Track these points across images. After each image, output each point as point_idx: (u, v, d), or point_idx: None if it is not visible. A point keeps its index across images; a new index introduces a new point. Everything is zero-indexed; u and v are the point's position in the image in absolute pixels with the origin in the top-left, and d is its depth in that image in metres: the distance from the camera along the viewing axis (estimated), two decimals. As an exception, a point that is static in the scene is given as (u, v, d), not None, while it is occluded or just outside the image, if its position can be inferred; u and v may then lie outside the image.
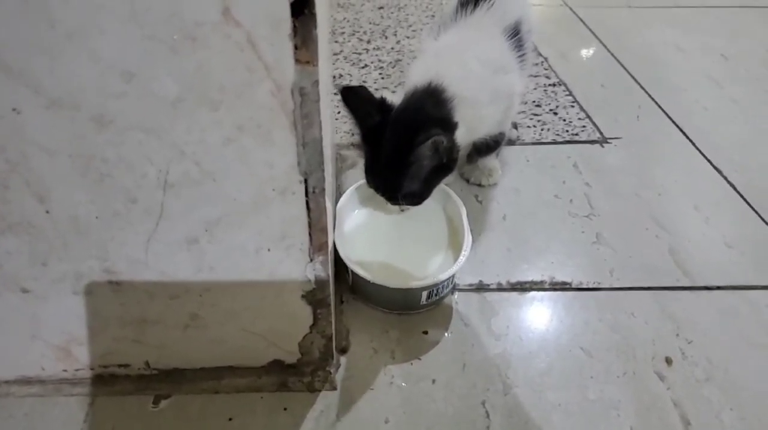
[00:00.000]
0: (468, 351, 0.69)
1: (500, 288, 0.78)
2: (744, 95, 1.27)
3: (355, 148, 1.03)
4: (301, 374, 0.64)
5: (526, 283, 0.78)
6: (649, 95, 1.25)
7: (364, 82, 1.26)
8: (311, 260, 0.56)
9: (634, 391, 0.65)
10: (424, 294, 0.70)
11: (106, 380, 0.63)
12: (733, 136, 1.12)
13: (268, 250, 0.55)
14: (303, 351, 0.63)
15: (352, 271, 0.71)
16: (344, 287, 0.76)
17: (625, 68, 1.36)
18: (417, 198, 0.77)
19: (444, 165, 0.75)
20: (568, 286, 0.78)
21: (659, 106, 1.21)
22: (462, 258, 0.71)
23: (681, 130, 1.13)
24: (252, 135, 0.48)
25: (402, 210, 0.82)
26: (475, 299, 0.76)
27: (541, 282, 0.79)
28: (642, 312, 0.74)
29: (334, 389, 0.64)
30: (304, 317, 0.60)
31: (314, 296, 0.59)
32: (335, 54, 1.39)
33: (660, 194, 0.96)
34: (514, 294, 0.77)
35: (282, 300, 0.59)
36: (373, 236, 0.80)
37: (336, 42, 1.46)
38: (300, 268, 0.56)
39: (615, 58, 1.41)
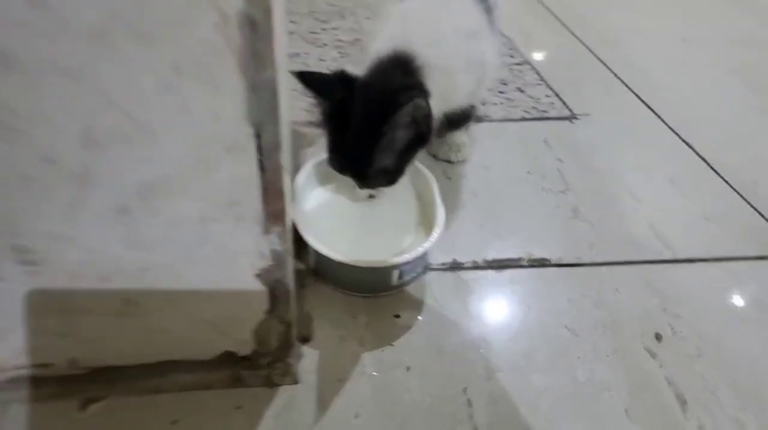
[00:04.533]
0: (444, 335, 0.62)
1: (476, 266, 0.71)
2: (707, 76, 1.26)
3: (315, 126, 0.95)
4: (256, 366, 0.57)
5: (502, 260, 0.73)
6: (615, 74, 1.22)
7: (322, 60, 1.19)
8: (266, 232, 0.48)
9: (625, 370, 0.60)
10: (395, 273, 0.63)
11: (21, 384, 0.53)
12: (701, 113, 1.10)
13: (215, 220, 0.47)
14: (259, 340, 0.55)
15: (314, 250, 0.64)
16: (305, 269, 0.68)
17: (589, 49, 1.33)
18: (390, 175, 0.69)
19: (420, 136, 0.68)
20: (547, 262, 0.73)
21: (625, 85, 1.18)
22: (436, 232, 0.64)
23: (649, 107, 1.10)
24: (192, 78, 0.40)
25: (371, 196, 0.72)
26: (450, 279, 0.69)
27: (519, 259, 0.73)
28: (626, 287, 0.70)
29: (296, 382, 0.57)
30: (259, 299, 0.52)
31: (271, 275, 0.51)
32: (290, 33, 1.32)
33: (634, 169, 0.92)
34: (491, 272, 0.71)
35: (233, 280, 0.51)
36: (336, 213, 0.73)
37: (292, 22, 1.38)
38: (253, 241, 0.49)
39: (578, 39, 1.38)
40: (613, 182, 0.89)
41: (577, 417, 0.55)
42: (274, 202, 0.47)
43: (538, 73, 1.20)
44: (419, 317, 0.64)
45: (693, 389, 0.58)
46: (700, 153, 0.97)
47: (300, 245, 0.65)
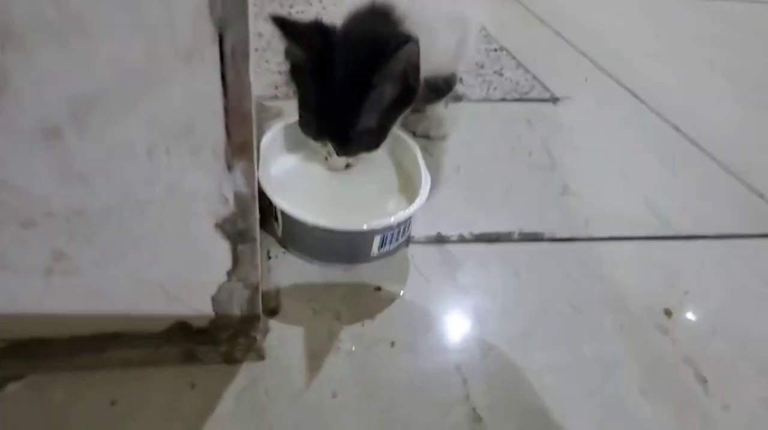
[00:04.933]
0: (432, 309, 0.55)
1: (463, 240, 0.64)
2: (683, 67, 1.24)
3: (283, 97, 0.87)
4: (215, 341, 0.48)
5: (492, 234, 0.66)
6: (593, 62, 1.19)
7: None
8: (229, 169, 0.40)
9: (635, 347, 0.54)
10: (377, 240, 0.55)
11: None
12: (682, 101, 1.06)
13: (166, 151, 0.38)
14: (218, 309, 0.46)
15: (282, 214, 0.56)
16: (272, 239, 0.60)
17: (564, 38, 1.30)
18: (374, 138, 0.63)
19: (406, 91, 0.62)
20: (540, 237, 0.66)
21: (605, 72, 1.14)
22: (422, 196, 0.57)
23: (631, 93, 1.06)
24: (138, -46, 0.32)
25: (348, 165, 0.65)
26: (435, 252, 0.62)
27: (509, 233, 0.66)
28: (628, 263, 0.64)
29: (262, 358, 0.48)
30: (219, 256, 0.44)
31: (234, 225, 0.43)
32: (254, 16, 1.24)
33: (622, 149, 0.88)
34: (480, 246, 0.64)
35: (187, 231, 0.42)
36: (308, 179, 0.65)
37: (255, 5, 1.31)
38: (213, 180, 0.40)
39: (552, 29, 1.35)
40: (601, 161, 0.84)
41: (588, 395, 0.48)
42: (239, 129, 0.39)
43: (515, 58, 1.15)
44: (403, 291, 0.57)
45: (711, 367, 0.52)
46: (689, 135, 0.93)
47: (265, 212, 0.57)
